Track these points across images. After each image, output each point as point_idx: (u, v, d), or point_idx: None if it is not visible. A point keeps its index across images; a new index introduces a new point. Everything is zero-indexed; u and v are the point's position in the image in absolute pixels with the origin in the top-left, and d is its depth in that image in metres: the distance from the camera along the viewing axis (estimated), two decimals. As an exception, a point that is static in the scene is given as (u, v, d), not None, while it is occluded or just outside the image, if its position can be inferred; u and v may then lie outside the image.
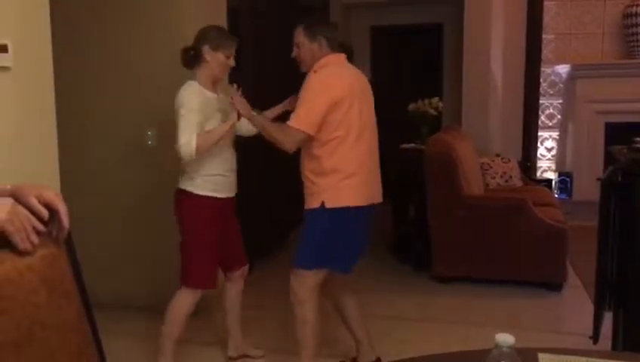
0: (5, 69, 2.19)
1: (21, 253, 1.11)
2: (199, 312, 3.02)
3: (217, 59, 2.75)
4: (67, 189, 2.50)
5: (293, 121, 2.60)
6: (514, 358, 1.13)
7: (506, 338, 1.14)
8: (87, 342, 1.33)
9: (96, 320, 1.38)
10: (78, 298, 1.34)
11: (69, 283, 1.32)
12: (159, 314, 2.90)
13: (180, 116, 2.64)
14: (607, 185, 2.72)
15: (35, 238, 1.13)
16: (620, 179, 2.67)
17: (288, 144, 2.64)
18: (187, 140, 2.60)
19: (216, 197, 2.80)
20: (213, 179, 2.79)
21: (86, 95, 3.74)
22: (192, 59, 2.78)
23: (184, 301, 2.82)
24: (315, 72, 2.66)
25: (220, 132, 2.70)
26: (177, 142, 2.63)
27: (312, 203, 2.68)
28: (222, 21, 3.84)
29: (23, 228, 1.10)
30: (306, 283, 2.72)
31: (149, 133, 3.65)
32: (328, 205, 2.63)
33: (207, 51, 2.74)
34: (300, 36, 2.73)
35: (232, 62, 2.81)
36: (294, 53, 2.77)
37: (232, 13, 4.08)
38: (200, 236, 2.80)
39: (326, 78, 2.65)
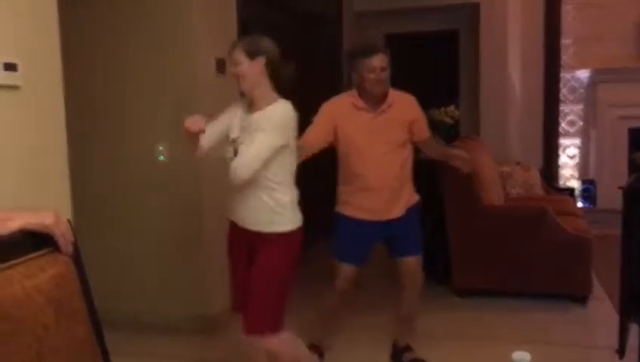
0: (15, 87, 2.18)
1: (62, 253, 1.25)
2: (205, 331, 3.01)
3: None
4: (78, 206, 2.50)
5: None
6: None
7: (522, 357, 1.10)
8: (97, 364, 1.31)
9: (108, 340, 1.36)
10: (88, 318, 1.32)
11: (77, 303, 1.30)
12: (170, 334, 2.87)
13: None
14: (630, 194, 2.63)
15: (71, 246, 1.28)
16: (643, 187, 2.58)
17: None
18: None
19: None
20: None
21: (95, 109, 3.71)
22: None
23: None
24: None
25: None
26: None
27: None
28: (232, 34, 3.82)
29: (68, 233, 1.25)
30: None
31: (161, 148, 3.58)
32: None
33: None
34: None
35: None
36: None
37: (244, 25, 4.07)
38: None
39: None
